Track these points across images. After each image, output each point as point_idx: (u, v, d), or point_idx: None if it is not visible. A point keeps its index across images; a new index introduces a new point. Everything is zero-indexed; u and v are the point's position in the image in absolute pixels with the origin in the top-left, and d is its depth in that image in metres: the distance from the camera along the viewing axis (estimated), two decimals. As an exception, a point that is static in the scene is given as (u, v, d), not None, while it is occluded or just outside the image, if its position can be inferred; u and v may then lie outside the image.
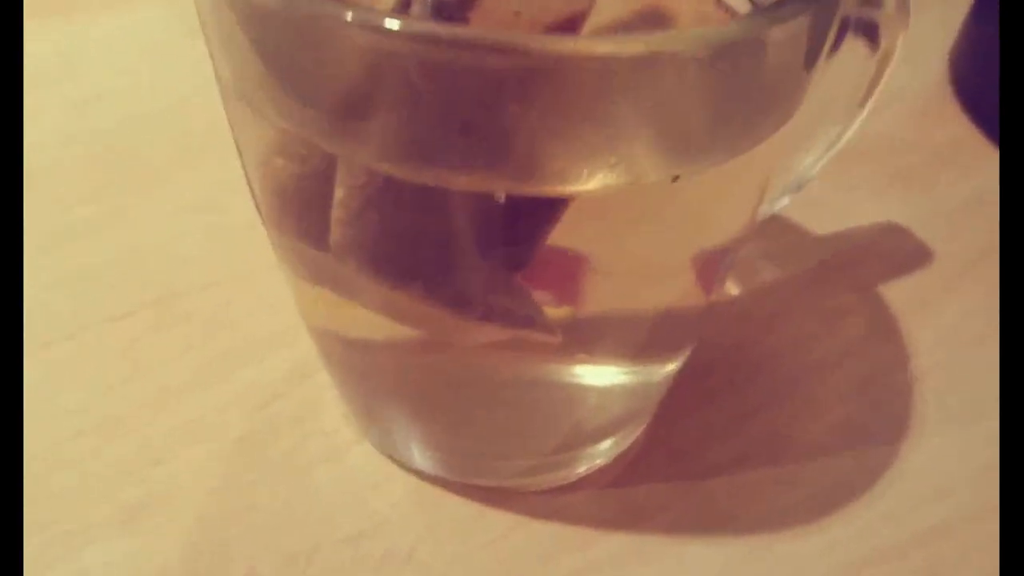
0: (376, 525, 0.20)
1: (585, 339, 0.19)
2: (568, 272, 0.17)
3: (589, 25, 0.16)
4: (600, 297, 0.18)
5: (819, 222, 0.28)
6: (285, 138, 0.15)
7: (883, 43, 0.20)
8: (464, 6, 0.15)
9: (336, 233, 0.15)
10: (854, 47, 0.21)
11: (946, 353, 0.25)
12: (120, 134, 0.29)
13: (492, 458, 0.21)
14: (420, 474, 0.21)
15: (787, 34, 0.13)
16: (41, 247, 0.26)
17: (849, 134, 0.21)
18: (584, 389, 0.20)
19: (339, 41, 0.12)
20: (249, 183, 0.18)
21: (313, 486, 0.21)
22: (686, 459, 0.22)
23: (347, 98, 0.13)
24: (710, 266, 0.19)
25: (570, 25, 0.15)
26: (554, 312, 0.18)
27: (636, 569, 0.20)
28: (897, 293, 0.26)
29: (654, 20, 0.18)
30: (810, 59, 0.16)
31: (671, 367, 0.21)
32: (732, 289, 0.26)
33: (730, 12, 0.18)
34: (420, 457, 0.21)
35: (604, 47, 0.12)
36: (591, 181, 0.14)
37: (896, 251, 0.28)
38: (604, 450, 0.22)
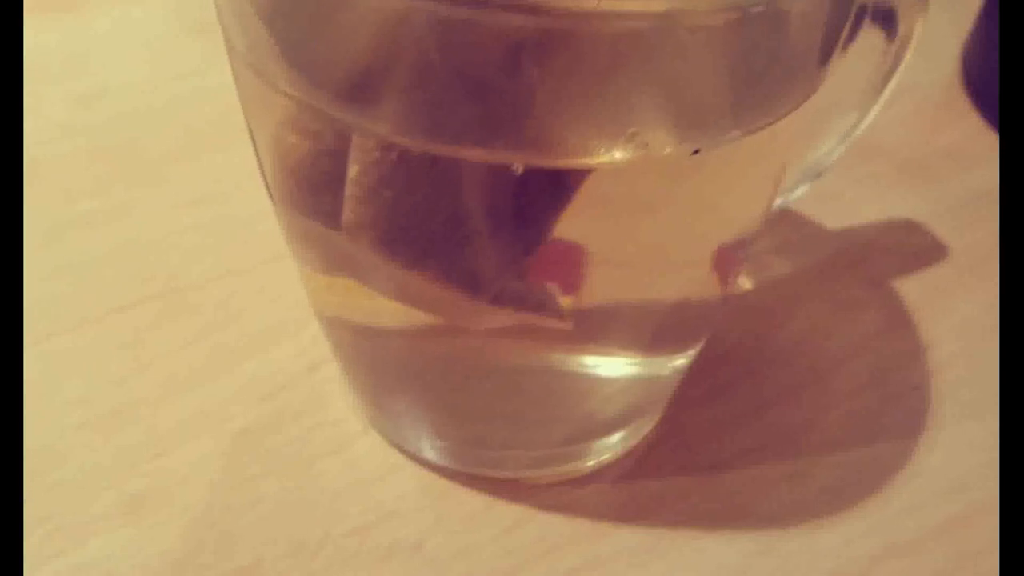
0: (384, 516, 0.20)
1: (596, 328, 0.19)
2: (579, 261, 0.17)
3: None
4: (612, 286, 0.18)
5: (830, 217, 0.28)
6: (298, 114, 0.15)
7: (901, 30, 0.20)
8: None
9: (349, 211, 0.15)
10: (870, 37, 0.21)
11: (961, 347, 0.24)
12: (124, 128, 0.29)
13: (501, 448, 0.21)
14: (428, 465, 0.21)
15: (810, 4, 0.13)
16: (44, 239, 0.25)
17: (867, 122, 0.21)
18: (594, 380, 0.20)
19: (353, 5, 0.12)
20: (260, 164, 0.17)
21: (319, 477, 0.21)
22: (699, 452, 0.22)
23: (361, 65, 0.13)
24: (725, 257, 0.19)
25: None
26: (564, 300, 0.17)
27: (649, 563, 0.20)
28: (910, 287, 0.26)
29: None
30: (829, 37, 0.15)
31: (682, 360, 0.21)
32: (744, 283, 0.26)
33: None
34: (429, 447, 0.21)
35: (626, 7, 0.12)
36: (609, 153, 0.13)
37: (908, 245, 0.27)
38: (614, 443, 0.22)
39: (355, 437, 0.22)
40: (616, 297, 0.18)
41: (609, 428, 0.21)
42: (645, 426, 0.22)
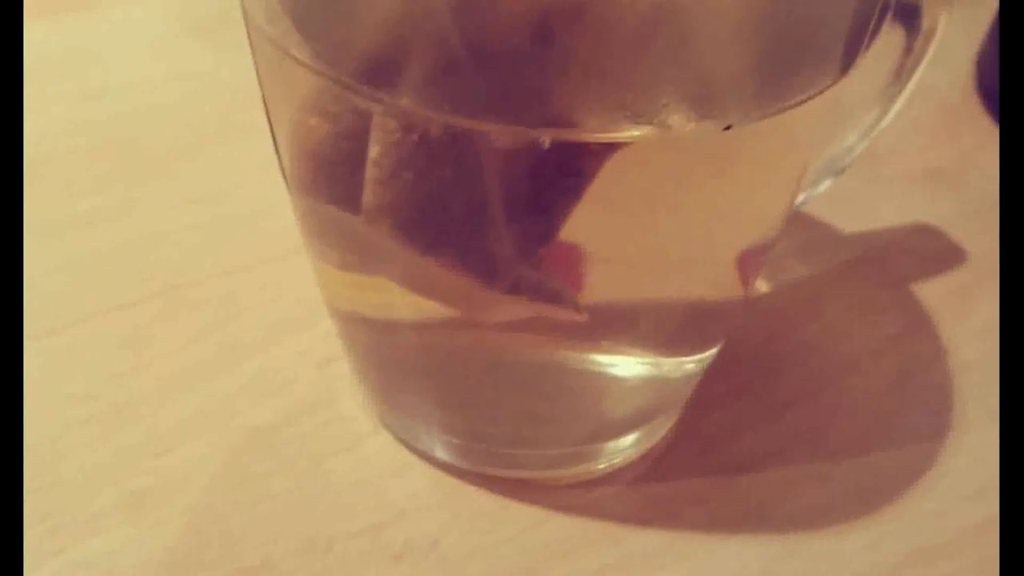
0: (395, 516, 0.20)
1: (611, 324, 0.18)
2: (595, 253, 0.17)
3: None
4: (629, 281, 0.18)
5: (848, 220, 0.27)
6: (319, 93, 0.15)
7: (925, 23, 0.19)
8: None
9: (369, 193, 0.15)
10: (891, 33, 0.20)
11: (984, 349, 0.24)
12: (126, 126, 0.29)
13: (516, 446, 0.20)
14: (440, 464, 0.21)
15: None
16: (46, 237, 0.25)
17: (889, 117, 0.21)
18: (609, 378, 0.20)
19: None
20: (278, 151, 0.17)
21: (328, 475, 0.20)
22: (718, 454, 0.21)
23: (384, 36, 0.13)
24: (746, 254, 0.19)
25: None
26: (580, 294, 0.17)
27: (668, 567, 0.19)
28: (930, 290, 0.25)
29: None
30: (858, 24, 0.15)
31: (700, 361, 0.21)
32: (762, 286, 0.25)
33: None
34: (440, 445, 0.20)
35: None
36: (639, 125, 0.13)
37: (927, 248, 0.27)
38: (630, 444, 0.21)
39: (365, 435, 0.21)
40: (633, 293, 0.18)
41: (625, 428, 0.21)
42: (662, 427, 0.22)
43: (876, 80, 0.21)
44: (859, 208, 0.28)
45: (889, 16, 0.20)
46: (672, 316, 0.19)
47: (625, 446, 0.21)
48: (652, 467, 0.21)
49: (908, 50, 0.20)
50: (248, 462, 0.20)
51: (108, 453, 0.20)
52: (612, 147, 0.14)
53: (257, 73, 0.16)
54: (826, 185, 0.21)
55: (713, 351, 0.21)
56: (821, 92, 0.14)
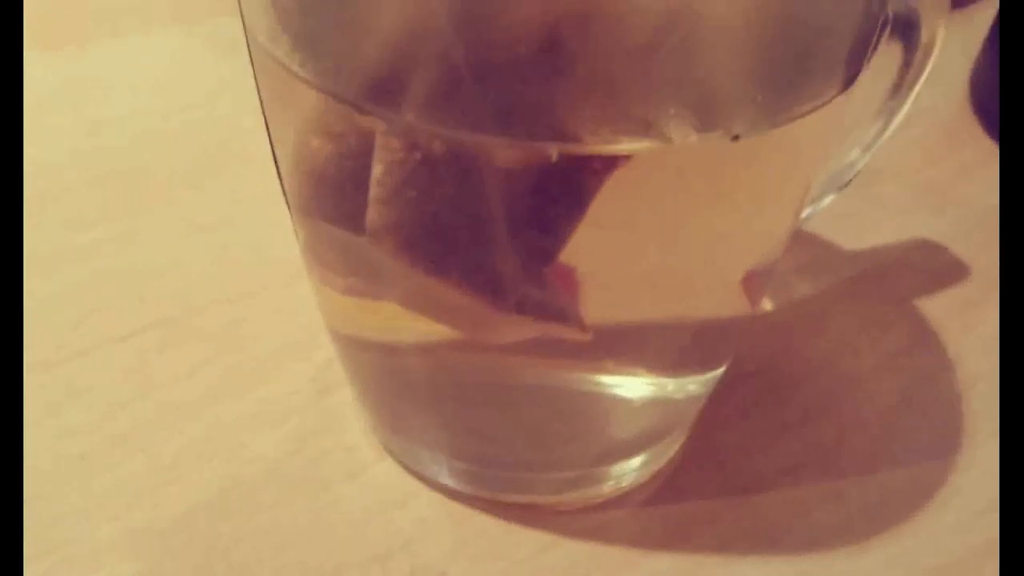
0: (403, 543, 0.19)
1: (616, 345, 0.18)
2: (599, 276, 0.17)
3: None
4: (635, 301, 0.17)
5: (849, 237, 0.27)
6: (322, 112, 0.15)
7: (924, 36, 0.19)
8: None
9: (373, 213, 0.15)
10: (889, 48, 0.20)
11: (991, 362, 0.24)
12: (126, 157, 0.29)
13: (522, 469, 0.20)
14: (446, 491, 0.20)
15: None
16: (48, 266, 0.25)
17: (890, 131, 0.21)
18: (615, 400, 0.19)
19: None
20: (279, 173, 0.17)
21: (334, 505, 0.20)
22: (728, 474, 0.21)
23: (387, 50, 0.13)
24: (751, 274, 0.19)
25: None
26: (584, 312, 0.17)
27: (681, 590, 0.19)
28: (935, 305, 0.25)
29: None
30: (860, 37, 0.15)
31: (707, 381, 0.20)
32: (766, 304, 0.25)
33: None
34: (446, 471, 0.20)
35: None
36: (644, 137, 0.13)
37: (931, 264, 0.27)
38: (639, 465, 0.21)
39: (370, 462, 0.21)
40: (639, 313, 0.18)
41: (632, 450, 0.20)
42: (670, 448, 0.21)
43: (876, 96, 0.21)
44: (860, 226, 0.28)
45: (887, 32, 0.20)
46: (678, 335, 0.19)
47: (633, 468, 0.21)
48: (661, 489, 0.21)
49: (907, 64, 0.20)
50: (251, 492, 0.20)
51: (109, 485, 0.20)
52: (616, 162, 0.14)
53: (259, 95, 0.16)
54: (830, 199, 0.21)
55: (720, 371, 0.21)
56: (826, 103, 0.14)
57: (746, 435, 0.22)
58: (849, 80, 0.15)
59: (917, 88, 0.20)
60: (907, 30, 0.20)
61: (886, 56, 0.20)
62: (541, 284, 0.16)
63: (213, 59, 0.33)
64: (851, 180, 0.21)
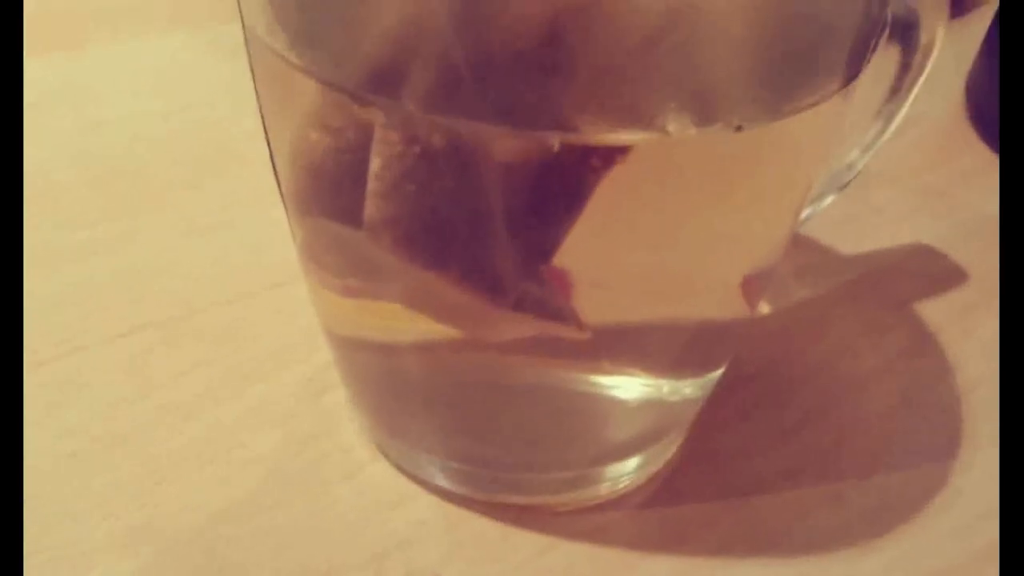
0: (399, 545, 0.19)
1: (614, 345, 0.18)
2: (598, 274, 0.17)
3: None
4: (633, 300, 0.17)
5: (847, 242, 0.27)
6: (319, 107, 0.15)
7: (923, 37, 0.19)
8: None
9: (371, 207, 0.15)
10: (888, 49, 0.20)
11: (990, 366, 0.24)
12: (124, 158, 0.29)
13: (518, 470, 0.20)
14: (442, 492, 0.20)
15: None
16: (47, 266, 0.25)
17: (890, 132, 0.21)
18: (612, 400, 0.19)
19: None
20: (275, 168, 0.17)
21: (330, 506, 0.20)
22: (727, 476, 0.21)
23: (386, 43, 0.13)
24: (751, 275, 0.19)
25: None
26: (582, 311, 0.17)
27: (680, 593, 0.19)
28: (934, 308, 0.25)
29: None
30: (863, 30, 0.15)
31: (705, 383, 0.20)
32: (764, 308, 0.25)
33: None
34: (443, 472, 0.20)
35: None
36: (651, 127, 0.13)
37: (930, 269, 0.27)
38: (636, 466, 0.21)
39: (365, 464, 0.21)
40: (638, 312, 0.18)
41: (629, 451, 0.20)
42: (668, 450, 0.21)
43: (875, 98, 0.21)
44: (859, 230, 0.28)
45: (886, 33, 0.20)
46: (676, 336, 0.19)
47: (630, 469, 0.21)
48: (659, 491, 0.21)
49: (906, 66, 0.20)
50: (246, 494, 0.20)
51: (106, 485, 0.20)
52: (614, 156, 0.14)
53: (256, 90, 0.16)
54: (830, 200, 0.21)
55: (715, 375, 0.20)
56: (827, 99, 0.14)
57: (745, 438, 0.22)
58: (850, 77, 0.15)
59: (916, 89, 0.20)
60: (906, 31, 0.20)
61: (884, 58, 0.20)
62: (539, 281, 0.16)
63: (211, 62, 0.33)
64: (851, 181, 0.21)
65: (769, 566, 0.19)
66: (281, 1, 0.14)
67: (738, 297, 0.19)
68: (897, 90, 0.20)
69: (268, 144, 0.17)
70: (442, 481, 0.20)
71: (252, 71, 0.16)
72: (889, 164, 0.29)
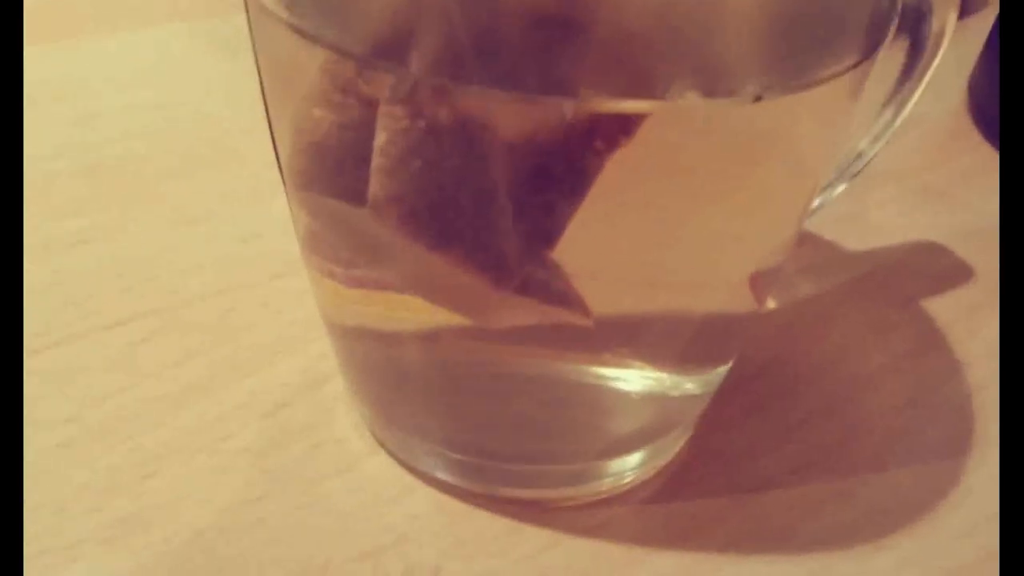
0: (397, 539, 0.18)
1: (619, 335, 0.18)
2: (603, 261, 0.16)
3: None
4: (641, 291, 0.17)
5: (851, 239, 0.27)
6: (322, 83, 0.14)
7: (935, 25, 0.19)
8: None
9: (376, 183, 0.14)
10: (899, 43, 0.20)
11: (997, 364, 0.23)
12: (119, 149, 0.28)
13: (520, 462, 0.19)
14: (442, 486, 0.19)
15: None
16: (37, 255, 0.24)
17: (903, 115, 0.20)
18: (616, 392, 0.19)
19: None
20: (276, 148, 0.16)
21: (325, 499, 0.19)
22: (734, 472, 0.20)
23: (395, 2, 0.12)
24: (757, 275, 0.18)
25: None
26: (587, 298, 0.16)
27: (685, 591, 0.18)
28: (940, 307, 0.25)
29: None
30: (878, 12, 0.15)
31: (712, 378, 0.20)
32: (770, 304, 0.25)
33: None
34: (443, 465, 0.19)
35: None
36: (668, 92, 0.12)
37: (935, 267, 0.27)
38: (641, 461, 0.20)
39: (362, 456, 0.20)
40: (643, 302, 0.17)
41: (632, 445, 0.20)
42: (673, 445, 0.21)
43: (884, 87, 0.21)
44: (863, 228, 0.28)
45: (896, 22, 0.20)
46: (680, 329, 0.18)
47: (633, 464, 0.20)
48: (665, 487, 0.20)
49: (917, 55, 0.20)
50: (239, 486, 0.19)
51: (93, 476, 0.19)
52: (624, 129, 0.14)
53: (258, 69, 0.16)
54: (841, 189, 0.21)
55: (719, 372, 0.20)
56: (845, 72, 0.14)
57: (752, 435, 0.21)
58: (867, 53, 0.15)
59: (927, 79, 0.20)
60: (916, 21, 0.20)
61: (894, 49, 0.20)
62: (544, 265, 0.16)
63: (205, 54, 0.33)
64: (861, 170, 0.21)
65: (775, 564, 0.19)
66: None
67: (745, 291, 0.19)
68: (907, 79, 0.20)
69: (270, 126, 0.17)
70: (442, 474, 0.19)
71: (254, 47, 0.16)
72: (892, 163, 0.29)
